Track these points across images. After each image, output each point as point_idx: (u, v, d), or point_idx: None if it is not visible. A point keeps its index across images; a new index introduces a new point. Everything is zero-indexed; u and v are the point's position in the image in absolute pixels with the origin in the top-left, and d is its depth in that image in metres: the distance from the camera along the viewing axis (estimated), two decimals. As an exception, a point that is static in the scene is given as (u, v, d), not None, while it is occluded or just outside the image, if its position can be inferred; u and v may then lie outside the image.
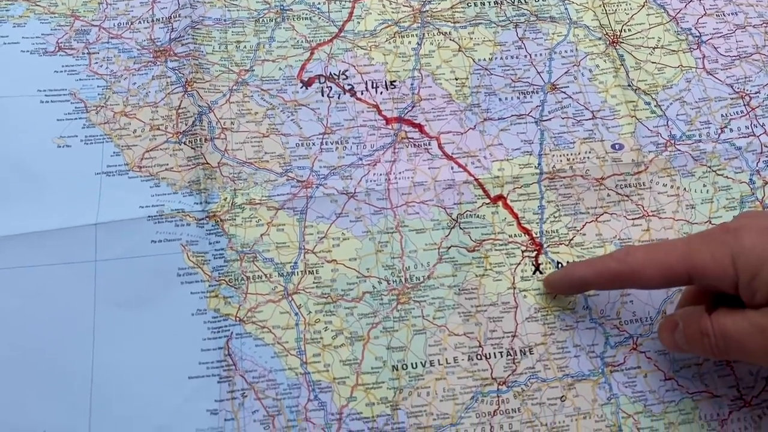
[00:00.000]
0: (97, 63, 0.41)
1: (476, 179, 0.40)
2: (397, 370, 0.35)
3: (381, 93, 0.41)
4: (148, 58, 0.41)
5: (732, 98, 0.42)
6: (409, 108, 0.41)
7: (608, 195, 0.40)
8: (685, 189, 0.40)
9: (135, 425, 0.33)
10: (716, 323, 0.31)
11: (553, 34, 0.44)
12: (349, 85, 0.41)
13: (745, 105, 0.42)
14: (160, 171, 0.38)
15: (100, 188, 0.38)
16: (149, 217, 0.37)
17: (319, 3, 0.44)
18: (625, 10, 0.45)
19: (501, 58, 0.43)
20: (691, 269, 0.31)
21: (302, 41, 0.42)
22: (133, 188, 0.38)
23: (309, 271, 0.37)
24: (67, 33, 0.42)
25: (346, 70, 0.42)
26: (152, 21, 0.42)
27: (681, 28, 0.45)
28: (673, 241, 0.33)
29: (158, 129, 0.39)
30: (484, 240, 0.38)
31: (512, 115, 0.41)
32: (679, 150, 0.41)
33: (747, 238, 0.30)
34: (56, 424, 0.33)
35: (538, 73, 0.43)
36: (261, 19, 0.43)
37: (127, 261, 0.36)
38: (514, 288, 0.37)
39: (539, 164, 0.40)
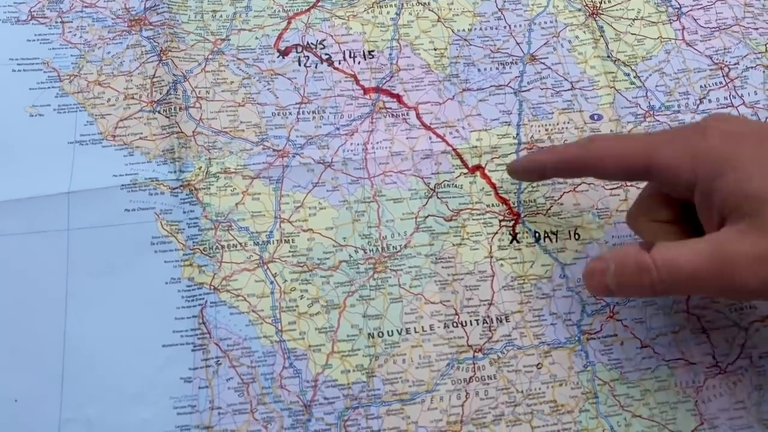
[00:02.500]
0: (70, 32, 0.40)
1: (454, 149, 0.39)
2: (373, 337, 0.35)
3: (359, 63, 0.41)
4: (123, 27, 0.41)
5: (711, 69, 0.42)
6: (388, 78, 0.41)
7: (586, 165, 0.39)
8: (663, 159, 0.40)
9: (108, 394, 0.33)
10: (659, 256, 0.28)
11: (532, 5, 0.44)
12: (326, 54, 0.41)
13: (724, 76, 0.42)
14: (134, 140, 0.38)
15: (73, 157, 0.37)
16: (123, 185, 0.36)
17: (296, -27, 0.43)
18: (605, -19, 0.45)
19: (480, 29, 0.43)
20: (651, 163, 0.30)
21: (279, 10, 0.42)
22: (107, 157, 0.37)
23: (285, 240, 0.36)
24: (40, 1, 0.41)
25: (324, 40, 0.41)
26: (127, -10, 0.42)
27: (661, -1, 0.44)
28: (639, 134, 0.32)
29: (132, 98, 0.39)
30: (461, 209, 0.38)
31: (491, 86, 0.41)
32: (658, 121, 0.41)
33: (712, 139, 0.28)
34: (28, 393, 0.33)
35: (518, 44, 0.42)
36: (238, -11, 0.42)
37: (100, 230, 0.36)
38: (491, 257, 0.37)
39: (518, 134, 0.40)
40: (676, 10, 0.44)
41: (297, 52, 0.41)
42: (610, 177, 0.33)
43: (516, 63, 0.42)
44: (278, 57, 0.41)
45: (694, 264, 0.27)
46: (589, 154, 0.32)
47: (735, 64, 0.42)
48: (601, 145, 0.32)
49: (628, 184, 0.39)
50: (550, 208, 0.38)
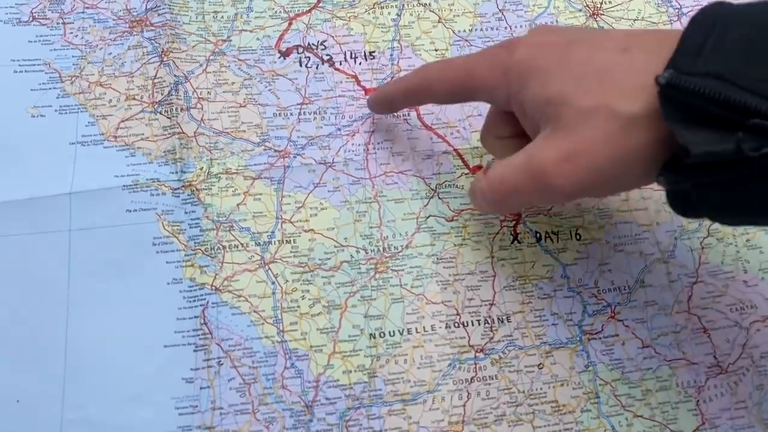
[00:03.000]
0: (72, 33, 0.40)
1: (455, 149, 0.39)
2: (374, 338, 0.35)
3: (360, 64, 0.41)
4: (124, 28, 0.41)
5: (712, 70, 0.42)
6: (389, 79, 0.41)
7: (587, 165, 0.39)
8: (664, 159, 0.40)
9: (110, 394, 0.33)
10: (490, 174, 0.30)
11: (533, 5, 0.44)
12: (327, 55, 0.41)
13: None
14: (135, 140, 0.38)
15: (75, 158, 0.37)
16: (124, 186, 0.37)
17: (297, -26, 0.43)
18: (605, -18, 0.45)
19: (481, 30, 0.43)
20: (471, 83, 0.31)
21: (280, 11, 0.42)
22: (108, 158, 0.37)
23: (286, 241, 0.37)
24: (41, 3, 0.41)
25: (325, 41, 0.41)
26: (128, -9, 0.42)
27: (661, 0, 0.44)
28: (465, 56, 0.33)
29: (134, 99, 0.39)
30: (462, 210, 0.38)
31: (492, 86, 0.41)
32: (659, 121, 0.41)
33: (519, 51, 0.29)
34: (30, 394, 0.33)
35: (518, 44, 0.42)
36: (239, -10, 0.42)
37: (101, 230, 0.36)
38: (493, 257, 0.37)
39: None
40: (677, 10, 0.44)
41: (298, 53, 0.41)
42: (442, 100, 0.35)
43: (517, 63, 0.42)
44: (279, 58, 0.41)
45: (513, 178, 0.29)
46: (421, 80, 0.34)
47: (735, 64, 0.42)
48: (430, 73, 0.33)
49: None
50: (551, 209, 0.38)
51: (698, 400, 0.35)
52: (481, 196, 0.31)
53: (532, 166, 0.28)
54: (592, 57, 0.27)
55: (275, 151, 0.38)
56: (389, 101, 0.37)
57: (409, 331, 0.35)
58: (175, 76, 0.39)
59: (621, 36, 0.28)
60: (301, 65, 0.41)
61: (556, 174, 0.27)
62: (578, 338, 0.36)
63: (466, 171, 0.39)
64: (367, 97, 0.39)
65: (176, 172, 0.37)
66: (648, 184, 0.27)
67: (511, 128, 0.33)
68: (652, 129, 0.25)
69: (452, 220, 0.38)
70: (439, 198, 0.38)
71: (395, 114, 0.40)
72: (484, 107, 0.40)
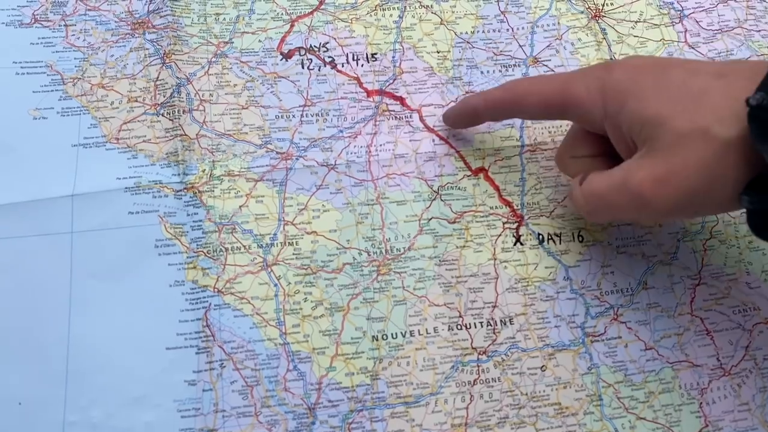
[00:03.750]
0: (74, 35, 0.40)
1: (457, 151, 0.39)
2: (377, 340, 0.35)
3: (362, 65, 0.41)
4: (126, 31, 0.41)
5: (714, 72, 0.42)
6: (391, 81, 0.41)
7: (590, 167, 0.39)
8: (666, 161, 0.40)
9: (112, 396, 0.33)
10: (585, 187, 0.31)
11: (535, 7, 0.44)
12: (329, 57, 0.41)
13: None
14: (137, 143, 0.38)
15: (77, 160, 0.37)
16: (126, 188, 0.36)
17: (299, -24, 0.43)
18: (607, -16, 0.45)
19: (483, 32, 0.43)
20: (566, 99, 0.32)
21: (282, 13, 0.42)
22: (111, 160, 0.37)
23: (288, 243, 0.36)
24: (43, 5, 0.41)
25: (327, 43, 0.41)
26: (130, -7, 0.42)
27: (663, 2, 0.44)
28: (558, 74, 0.34)
29: (136, 101, 0.39)
30: (465, 212, 0.38)
31: (494, 88, 0.41)
32: (661, 123, 0.41)
33: (617, 72, 0.30)
34: (32, 396, 0.33)
35: (520, 46, 0.43)
36: (241, -8, 0.42)
37: (104, 232, 0.36)
38: (495, 259, 0.37)
39: (521, 137, 0.40)
40: (679, 12, 0.44)
41: (300, 55, 0.41)
42: (532, 116, 0.35)
43: (519, 65, 0.42)
44: (281, 60, 0.41)
45: (609, 193, 0.30)
46: (511, 95, 0.34)
47: (737, 66, 0.42)
48: (522, 86, 0.34)
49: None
50: (553, 210, 0.38)
51: (701, 403, 0.35)
52: (575, 204, 0.33)
53: (628, 185, 0.29)
54: (690, 81, 0.28)
55: (277, 153, 0.38)
56: (474, 114, 0.36)
57: (411, 334, 0.35)
58: (177, 78, 0.39)
59: (717, 63, 0.29)
60: (303, 67, 0.41)
61: (651, 194, 0.28)
62: (581, 340, 0.36)
63: (468, 173, 0.39)
64: (444, 109, 0.39)
65: (178, 174, 0.37)
66: (731, 210, 0.29)
67: (591, 148, 0.34)
68: (745, 153, 0.26)
69: (454, 222, 0.38)
70: (441, 200, 0.38)
71: (397, 116, 0.40)
72: (487, 109, 0.40)
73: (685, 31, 0.43)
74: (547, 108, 0.33)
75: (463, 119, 0.38)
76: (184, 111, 0.39)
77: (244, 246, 0.36)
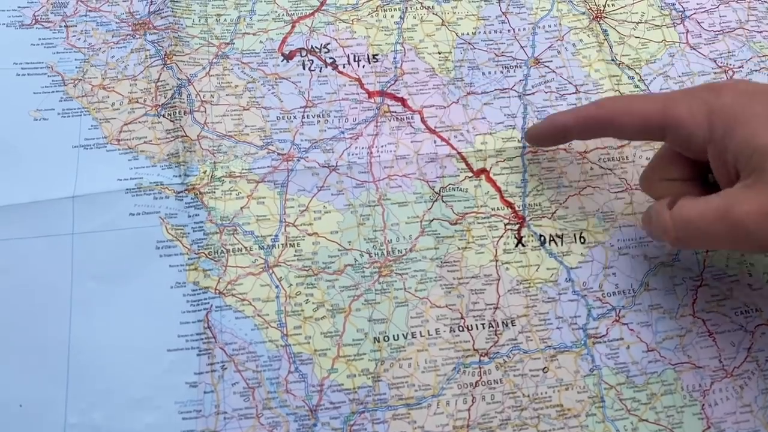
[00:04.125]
0: (74, 36, 0.40)
1: (459, 153, 0.39)
2: (378, 341, 0.35)
3: (363, 66, 0.41)
4: (127, 32, 0.41)
5: (715, 72, 0.42)
6: (392, 82, 0.41)
7: (591, 168, 0.39)
8: (668, 162, 0.40)
9: (113, 398, 0.33)
10: (677, 214, 0.30)
11: (536, 8, 0.44)
12: (330, 58, 0.41)
13: (728, 79, 0.42)
14: (138, 144, 0.38)
15: (78, 161, 0.37)
16: (127, 189, 0.36)
17: (300, -23, 0.43)
18: (608, -15, 0.45)
19: (484, 33, 0.43)
20: (667, 120, 0.30)
21: (283, 14, 0.42)
22: (111, 161, 0.37)
23: (290, 244, 0.36)
24: (43, 6, 0.41)
25: (328, 44, 0.41)
26: (131, -6, 0.42)
27: (664, 3, 0.44)
28: (655, 94, 0.33)
29: (137, 102, 0.39)
30: (466, 213, 0.38)
31: (495, 89, 0.41)
32: (663, 124, 0.41)
33: (727, 96, 0.29)
34: (33, 398, 0.33)
35: (522, 47, 0.42)
36: (242, -7, 0.42)
37: (104, 234, 0.36)
38: (497, 260, 0.37)
39: (522, 138, 0.40)
40: (680, 13, 0.44)
41: (301, 56, 0.41)
42: (627, 135, 0.33)
43: (520, 66, 0.42)
44: (282, 61, 0.41)
45: (707, 221, 0.28)
46: (606, 112, 0.33)
47: (739, 67, 0.42)
48: (618, 105, 0.32)
49: (633, 186, 0.39)
50: (555, 212, 0.38)
51: (703, 404, 0.35)
52: (661, 229, 0.31)
53: (730, 215, 0.28)
54: None
55: (279, 154, 0.38)
56: (563, 132, 0.35)
57: (413, 335, 0.35)
58: (178, 79, 0.39)
59: None
60: (304, 68, 0.41)
61: (756, 227, 0.27)
62: (583, 342, 0.36)
63: (470, 174, 0.39)
64: (526, 128, 0.39)
65: (180, 176, 0.37)
66: None
67: (683, 172, 0.32)
68: None
69: (456, 224, 0.38)
70: (443, 201, 0.38)
71: (399, 117, 0.40)
72: (489, 111, 0.40)
73: (687, 32, 0.43)
74: (645, 128, 0.31)
75: (549, 138, 0.37)
76: (185, 112, 0.38)
77: (246, 247, 0.36)
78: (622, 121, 0.32)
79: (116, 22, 0.41)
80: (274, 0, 0.42)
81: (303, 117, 0.39)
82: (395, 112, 0.40)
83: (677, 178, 0.33)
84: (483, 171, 0.39)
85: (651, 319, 0.36)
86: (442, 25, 0.43)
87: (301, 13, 0.42)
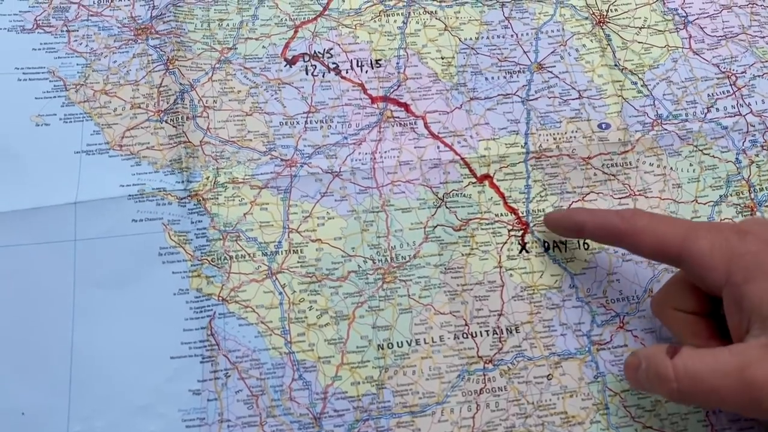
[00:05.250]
0: (76, 41, 0.40)
1: (462, 158, 0.39)
2: (382, 348, 0.35)
3: (366, 72, 0.41)
4: (129, 36, 0.40)
5: (718, 78, 0.42)
6: (395, 87, 0.41)
7: (595, 174, 0.39)
8: (671, 168, 0.40)
9: (116, 406, 0.33)
10: (681, 365, 0.28)
11: (539, 13, 0.44)
12: (333, 63, 0.41)
13: (731, 85, 0.42)
14: (141, 149, 0.37)
15: (80, 167, 0.37)
16: (130, 196, 0.36)
17: (303, -19, 0.43)
18: (611, -10, 0.45)
19: (487, 38, 0.43)
20: (685, 252, 0.30)
21: (286, 19, 0.42)
22: (114, 167, 0.37)
23: (293, 251, 0.36)
24: (45, 10, 0.41)
25: (331, 49, 0.41)
26: (133, -1, 0.42)
27: (667, 8, 0.44)
28: (681, 219, 0.32)
29: (139, 107, 0.39)
30: (470, 219, 0.38)
31: (499, 95, 0.41)
32: (666, 129, 0.41)
33: (752, 243, 0.29)
34: (36, 406, 0.33)
35: (525, 52, 0.42)
36: (244, -2, 0.42)
37: (107, 240, 0.35)
38: (501, 267, 0.37)
39: (526, 144, 0.40)
40: (683, 18, 0.44)
41: (304, 61, 0.41)
42: (643, 254, 0.32)
43: (523, 72, 0.42)
44: (285, 66, 0.40)
45: (717, 381, 0.27)
46: (628, 227, 0.32)
47: (742, 72, 0.42)
48: (641, 223, 0.32)
49: (636, 192, 0.39)
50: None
51: (708, 411, 0.35)
52: (657, 379, 0.28)
53: (746, 378, 0.26)
54: None
55: (282, 160, 0.38)
56: (579, 229, 0.35)
57: (417, 342, 0.35)
58: (180, 84, 0.39)
59: None
60: (307, 73, 0.40)
61: None
62: (587, 348, 0.36)
63: (473, 180, 0.39)
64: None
65: (182, 182, 0.37)
66: None
67: (695, 304, 0.31)
68: None
69: (460, 230, 0.38)
70: (446, 207, 0.38)
71: (402, 123, 0.40)
72: (492, 117, 0.40)
73: (690, 37, 0.43)
74: (662, 253, 0.31)
75: (563, 230, 0.36)
76: (187, 118, 0.38)
77: (249, 254, 0.36)
78: (640, 240, 0.31)
79: (118, 27, 0.41)
80: (277, 5, 0.42)
81: (306, 122, 0.39)
82: (398, 117, 0.40)
83: (690, 310, 0.32)
84: (486, 177, 0.39)
85: (655, 325, 0.36)
86: (445, 30, 0.43)
87: (304, 18, 0.42)
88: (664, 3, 0.44)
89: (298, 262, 0.36)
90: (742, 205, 0.39)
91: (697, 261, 0.29)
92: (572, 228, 0.35)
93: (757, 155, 0.40)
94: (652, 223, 0.31)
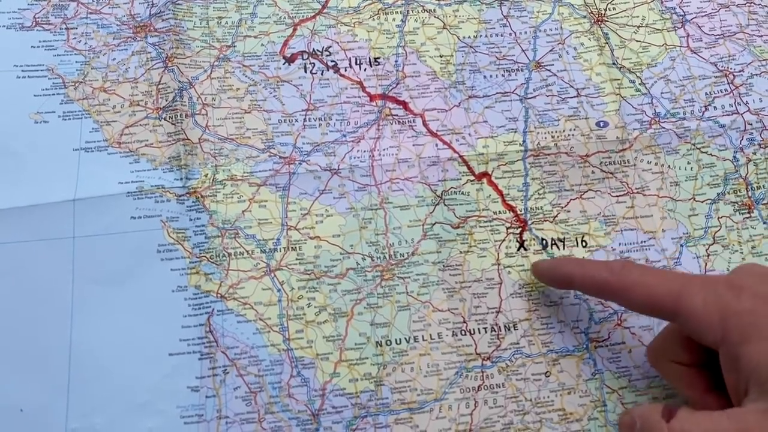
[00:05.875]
0: (75, 38, 0.40)
1: (461, 156, 0.39)
2: (381, 345, 0.35)
3: (365, 70, 0.41)
4: (128, 34, 0.40)
5: (716, 76, 0.42)
6: (394, 85, 0.41)
7: (593, 172, 0.40)
8: (669, 166, 0.40)
9: (114, 403, 0.33)
10: (678, 430, 0.27)
11: (537, 12, 0.44)
12: (332, 61, 0.41)
13: (728, 83, 0.42)
14: (139, 147, 0.38)
15: (79, 164, 0.37)
16: (128, 193, 0.36)
17: (302, -21, 0.43)
18: (609, -12, 0.45)
19: (486, 36, 0.43)
20: (679, 309, 0.29)
21: (285, 17, 0.42)
22: (113, 164, 0.37)
23: (292, 248, 0.36)
24: (44, 8, 0.41)
25: (330, 47, 0.41)
26: (132, -4, 0.42)
27: (665, 7, 0.44)
28: (673, 273, 0.31)
29: (138, 105, 0.39)
30: (468, 217, 0.38)
31: (497, 93, 0.41)
32: (664, 128, 0.41)
33: (746, 300, 0.28)
34: (34, 403, 0.33)
35: (523, 51, 0.42)
36: (243, -4, 0.42)
37: (106, 237, 0.35)
38: (499, 264, 0.37)
39: (524, 141, 0.40)
40: (681, 17, 0.44)
41: (303, 59, 0.41)
42: (636, 310, 0.32)
43: (522, 70, 0.42)
44: (284, 64, 0.41)
45: None
46: (618, 281, 0.31)
47: (740, 71, 0.43)
48: (631, 277, 0.31)
49: (634, 190, 0.39)
50: (557, 216, 0.38)
51: (705, 408, 0.35)
52: None
53: None
54: None
55: (280, 157, 0.38)
56: (568, 281, 0.34)
57: (415, 339, 0.35)
58: (179, 81, 0.39)
59: None
60: (305, 71, 0.40)
61: None
62: (585, 346, 0.36)
63: (472, 178, 0.39)
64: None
65: (181, 179, 0.37)
66: None
67: (691, 356, 0.31)
68: None
69: (458, 227, 0.38)
70: (444, 205, 0.38)
71: (400, 120, 0.40)
72: (491, 115, 0.40)
73: (687, 36, 0.44)
74: (654, 309, 0.30)
75: (550, 281, 0.35)
76: (186, 115, 0.38)
77: (247, 251, 0.36)
78: (633, 297, 0.30)
79: (117, 25, 0.41)
80: (276, 3, 0.42)
81: (305, 120, 0.39)
82: (397, 115, 0.40)
83: (687, 363, 0.31)
84: (485, 174, 0.39)
85: (652, 322, 0.36)
86: (444, 28, 0.43)
87: (303, 16, 0.42)
88: (662, 2, 0.45)
89: (297, 259, 0.36)
90: (740, 203, 0.39)
91: (692, 318, 0.28)
92: (560, 280, 0.34)
93: (754, 153, 0.41)
94: (643, 277, 0.30)
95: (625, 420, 0.30)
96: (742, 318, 0.27)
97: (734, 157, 0.40)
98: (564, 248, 0.38)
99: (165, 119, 0.38)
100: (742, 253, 0.38)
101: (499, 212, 0.38)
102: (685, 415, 0.27)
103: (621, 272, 0.31)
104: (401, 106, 0.40)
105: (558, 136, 0.40)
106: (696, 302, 0.28)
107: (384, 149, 0.39)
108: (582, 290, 0.35)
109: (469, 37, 0.43)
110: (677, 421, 0.27)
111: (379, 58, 0.41)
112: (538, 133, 0.40)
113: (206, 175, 0.37)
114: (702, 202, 0.39)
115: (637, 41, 0.43)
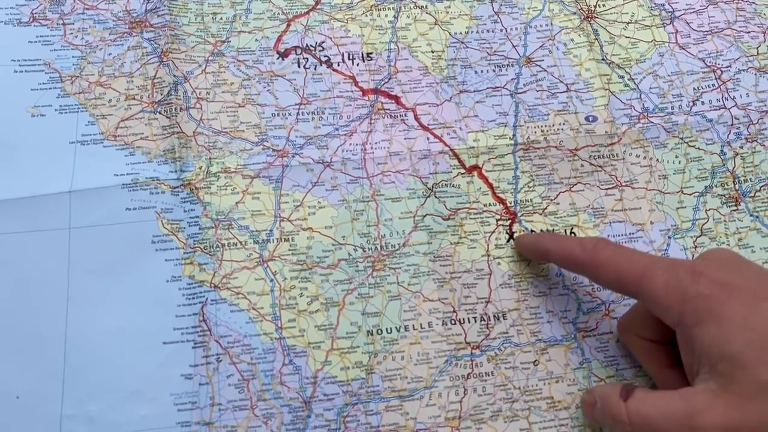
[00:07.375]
0: (72, 34, 0.41)
1: (452, 149, 0.40)
2: (372, 335, 0.35)
3: (357, 65, 0.42)
4: (124, 29, 0.41)
5: (704, 72, 0.43)
6: (386, 80, 0.41)
7: (582, 165, 0.40)
8: (657, 160, 0.41)
9: (109, 391, 0.33)
10: (634, 409, 0.29)
11: (528, 8, 0.44)
12: (325, 56, 0.42)
13: (716, 79, 0.43)
14: (135, 140, 0.38)
15: (75, 157, 0.37)
16: (124, 185, 0.37)
17: (296, -24, 0.44)
18: (599, -15, 0.46)
19: (477, 32, 0.43)
20: (641, 290, 0.30)
21: (279, 13, 0.42)
22: (108, 157, 0.38)
23: (284, 239, 0.37)
24: (41, 4, 0.41)
25: (323, 42, 0.42)
26: (128, -7, 0.42)
27: (654, 3, 0.45)
28: (641, 254, 0.32)
29: (133, 99, 0.39)
30: (459, 209, 0.39)
31: (488, 88, 0.42)
32: (652, 122, 0.41)
33: (704, 284, 0.29)
34: (29, 390, 0.33)
35: (514, 46, 0.43)
36: (238, -8, 0.43)
37: (101, 228, 0.36)
38: (488, 255, 0.38)
39: (514, 135, 0.41)
40: (670, 13, 0.45)
41: (296, 54, 0.41)
42: (604, 286, 0.34)
43: (512, 65, 0.42)
44: (278, 59, 0.41)
45: (667, 426, 0.28)
46: (590, 259, 0.32)
47: (727, 66, 0.43)
48: (602, 255, 0.32)
49: (622, 183, 0.40)
50: (546, 208, 0.39)
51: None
52: (612, 420, 0.30)
53: (693, 423, 0.27)
54: None
55: (274, 150, 0.39)
56: (544, 255, 0.35)
57: (406, 328, 0.36)
58: (174, 76, 0.40)
59: None
60: (299, 66, 0.41)
61: None
62: (573, 335, 0.36)
63: (462, 171, 0.39)
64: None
65: (175, 171, 0.37)
66: None
67: (656, 333, 0.32)
68: None
69: (448, 219, 0.38)
70: (435, 197, 0.39)
71: (392, 114, 0.40)
72: (481, 109, 0.41)
73: (676, 32, 0.44)
74: (620, 287, 0.31)
75: (530, 254, 0.37)
76: (181, 109, 0.39)
77: (241, 242, 0.37)
78: (601, 273, 0.32)
79: (113, 20, 0.41)
80: (270, -1, 0.43)
81: (298, 114, 0.40)
82: (389, 109, 0.41)
83: (651, 339, 0.33)
84: (475, 167, 0.40)
85: (640, 313, 0.37)
86: (436, 24, 0.43)
87: (296, 12, 0.43)
88: (651, -2, 0.45)
89: (289, 250, 0.37)
90: (727, 196, 0.40)
91: (653, 299, 0.30)
92: (539, 254, 0.36)
93: (741, 147, 0.41)
94: (613, 256, 0.31)
95: (587, 399, 0.33)
96: (698, 302, 0.28)
97: (722, 150, 0.41)
98: (553, 240, 0.38)
99: (160, 113, 0.39)
100: (729, 244, 0.39)
101: (489, 204, 0.39)
102: (641, 395, 0.29)
103: (593, 250, 0.32)
104: (393, 101, 0.41)
105: (548, 131, 0.41)
106: (658, 284, 0.30)
107: (376, 143, 0.40)
108: (557, 264, 0.36)
109: (461, 33, 0.43)
110: (633, 401, 0.29)
111: (371, 53, 0.42)
112: (528, 127, 0.41)
113: (200, 168, 0.38)
114: (690, 194, 0.40)
115: (626, 37, 0.44)
